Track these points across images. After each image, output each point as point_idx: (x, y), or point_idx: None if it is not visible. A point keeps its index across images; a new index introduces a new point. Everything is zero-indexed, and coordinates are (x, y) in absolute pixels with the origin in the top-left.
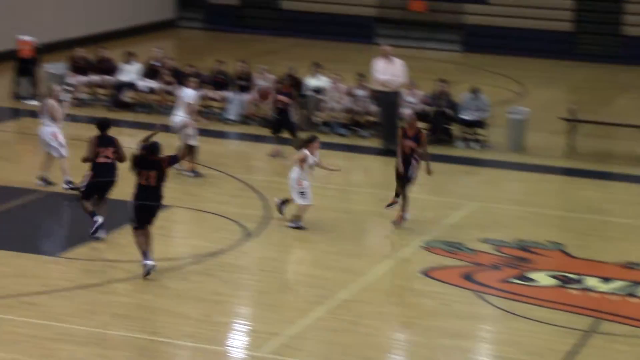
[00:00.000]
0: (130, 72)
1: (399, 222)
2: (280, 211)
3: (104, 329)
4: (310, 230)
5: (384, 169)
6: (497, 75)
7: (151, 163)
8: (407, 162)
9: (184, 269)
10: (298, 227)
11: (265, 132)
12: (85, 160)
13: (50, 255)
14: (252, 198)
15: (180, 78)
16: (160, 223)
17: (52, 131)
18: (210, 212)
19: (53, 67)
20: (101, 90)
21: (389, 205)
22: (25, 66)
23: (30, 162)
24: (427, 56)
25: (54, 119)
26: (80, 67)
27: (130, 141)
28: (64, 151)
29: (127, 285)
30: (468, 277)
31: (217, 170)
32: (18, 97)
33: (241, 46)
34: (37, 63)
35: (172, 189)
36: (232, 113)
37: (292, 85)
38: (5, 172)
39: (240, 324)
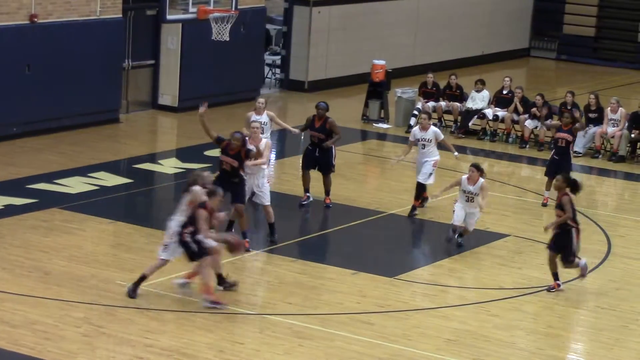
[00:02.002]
0: (478, 100)
1: None
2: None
3: (434, 352)
4: None
5: None
6: None
7: None
8: None
9: (518, 299)
10: None
11: (614, 165)
12: None
13: (388, 276)
14: (595, 232)
15: (529, 108)
16: (498, 252)
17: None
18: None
19: (403, 91)
20: (448, 117)
21: None
22: (376, 90)
23: (374, 184)
24: None
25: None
26: (429, 93)
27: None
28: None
29: (460, 311)
30: None
31: None
32: (367, 119)
33: (593, 78)
34: (388, 87)
35: (512, 218)
36: (580, 146)
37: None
38: (348, 192)
39: None
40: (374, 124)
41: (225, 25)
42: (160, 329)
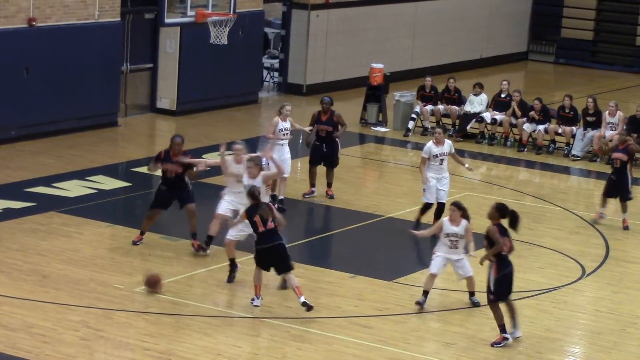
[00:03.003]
0: (477, 103)
1: None
2: None
3: (432, 356)
4: None
5: None
6: None
7: None
8: None
9: (517, 303)
10: None
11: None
12: None
13: (386, 279)
14: (592, 236)
15: (527, 112)
16: None
17: None
18: (547, 248)
19: (401, 95)
20: (447, 120)
21: None
22: (374, 93)
23: (372, 187)
24: None
25: None
26: (427, 96)
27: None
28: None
29: (458, 315)
30: None
31: (557, 206)
32: (365, 123)
33: (592, 81)
34: (386, 90)
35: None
36: (578, 149)
37: None
38: (346, 195)
39: None
40: (372, 128)
41: (223, 28)
42: (159, 333)
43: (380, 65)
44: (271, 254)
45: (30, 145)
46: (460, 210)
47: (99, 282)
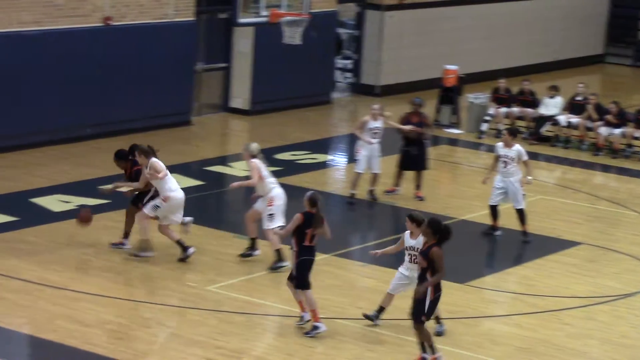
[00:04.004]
0: (552, 106)
1: None
2: None
3: None
4: None
5: None
6: None
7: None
8: None
9: (591, 308)
10: None
11: None
12: None
13: (459, 282)
14: None
15: (603, 115)
16: (570, 260)
17: None
18: (622, 253)
19: (475, 97)
20: (521, 123)
21: None
22: (447, 95)
23: (445, 189)
24: None
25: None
26: (501, 99)
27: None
28: None
29: (531, 319)
30: None
31: (634, 211)
32: (439, 124)
33: None
34: (460, 92)
35: (585, 226)
36: None
37: None
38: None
39: None
40: (446, 130)
41: (297, 28)
42: (231, 331)
43: (454, 67)
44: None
45: (105, 143)
46: (414, 223)
47: (172, 280)
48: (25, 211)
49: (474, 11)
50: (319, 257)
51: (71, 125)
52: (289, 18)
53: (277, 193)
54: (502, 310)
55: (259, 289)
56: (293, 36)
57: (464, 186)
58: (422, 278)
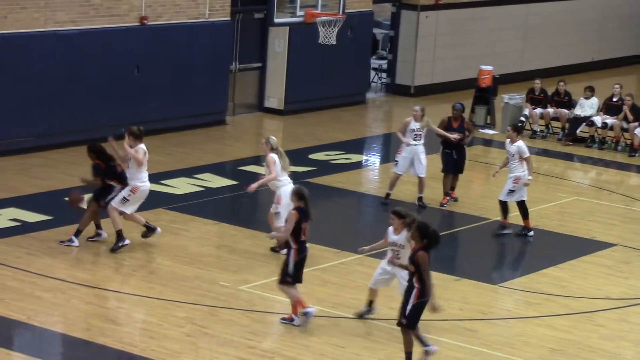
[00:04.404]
0: (587, 107)
1: None
2: None
3: None
4: None
5: None
6: None
7: None
8: None
9: (625, 310)
10: None
11: None
12: None
13: (491, 283)
14: None
15: (639, 116)
16: (604, 261)
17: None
18: None
19: (510, 97)
20: (556, 123)
21: None
22: (482, 95)
23: (479, 190)
24: None
25: None
26: (537, 99)
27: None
28: None
29: (564, 320)
30: None
31: None
32: (473, 125)
33: None
34: (495, 93)
35: (620, 227)
36: None
37: None
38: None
39: None
40: (480, 130)
41: (332, 29)
42: (263, 331)
43: (489, 67)
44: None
45: None
46: (401, 219)
47: (204, 280)
48: (59, 210)
49: (510, 11)
50: (352, 257)
51: (106, 124)
52: (324, 18)
53: (284, 191)
54: (535, 312)
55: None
56: (328, 36)
57: (497, 187)
58: (410, 282)
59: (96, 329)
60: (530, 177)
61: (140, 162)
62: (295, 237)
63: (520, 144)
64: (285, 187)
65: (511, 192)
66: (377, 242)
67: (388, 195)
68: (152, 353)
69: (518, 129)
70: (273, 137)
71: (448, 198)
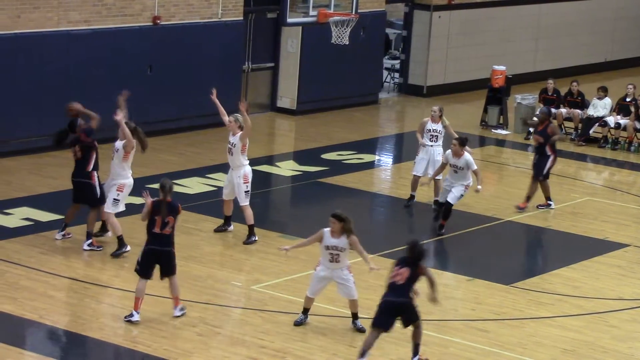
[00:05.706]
0: (600, 107)
1: None
2: None
3: None
4: None
5: None
6: None
7: None
8: None
9: (638, 311)
10: None
11: None
12: None
13: (504, 283)
14: None
15: None
16: (617, 262)
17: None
18: None
19: (522, 97)
20: (569, 124)
21: None
22: (495, 95)
23: (491, 190)
24: None
25: None
26: (549, 99)
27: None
28: None
29: (577, 321)
30: None
31: None
32: (486, 125)
33: None
34: (507, 93)
35: (633, 228)
36: None
37: None
38: (465, 198)
39: None
40: (493, 130)
41: (345, 28)
42: (275, 331)
43: (502, 68)
44: (158, 258)
45: (152, 142)
46: (341, 222)
47: (216, 279)
48: None
49: (523, 11)
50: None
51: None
52: (337, 18)
53: (249, 170)
54: (547, 312)
55: (303, 288)
56: (341, 36)
57: (510, 187)
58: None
59: (109, 328)
60: (480, 187)
61: (130, 146)
62: (147, 228)
63: (468, 157)
64: (248, 167)
65: (462, 196)
66: (302, 241)
67: (412, 197)
68: (164, 352)
69: (463, 142)
70: (239, 115)
71: (527, 204)
